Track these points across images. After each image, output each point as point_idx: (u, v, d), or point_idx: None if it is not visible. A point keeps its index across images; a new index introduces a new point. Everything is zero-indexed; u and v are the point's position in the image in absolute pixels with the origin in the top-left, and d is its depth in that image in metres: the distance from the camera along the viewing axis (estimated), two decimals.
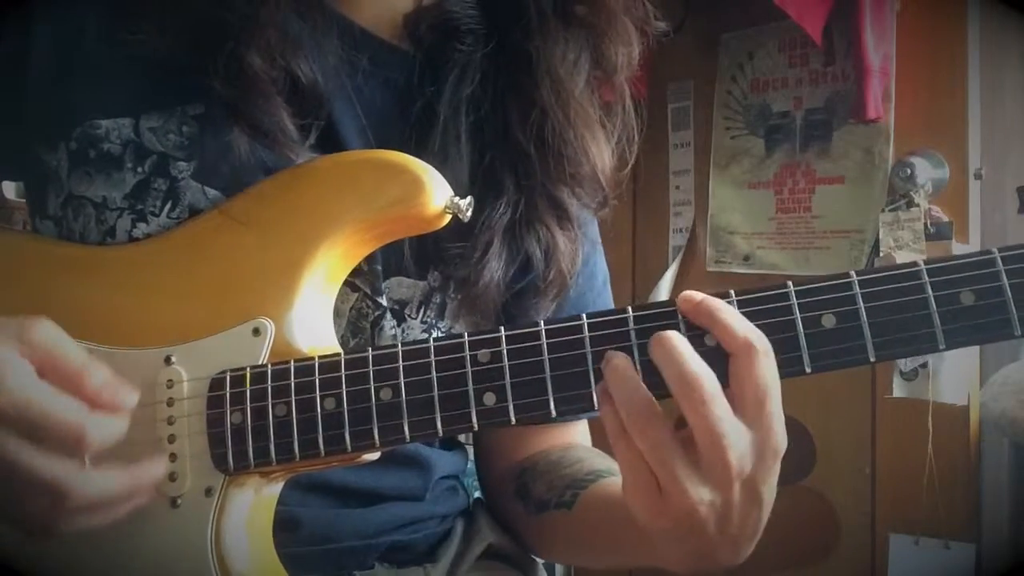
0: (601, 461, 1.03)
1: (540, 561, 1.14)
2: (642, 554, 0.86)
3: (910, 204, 2.13)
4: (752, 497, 0.73)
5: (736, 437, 0.70)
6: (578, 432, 1.11)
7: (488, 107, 1.00)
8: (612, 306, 1.11)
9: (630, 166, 1.07)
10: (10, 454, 0.69)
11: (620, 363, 0.73)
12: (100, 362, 0.74)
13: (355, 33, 0.98)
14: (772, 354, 0.72)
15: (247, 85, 0.88)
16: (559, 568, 2.55)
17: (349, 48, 0.97)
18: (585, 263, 1.09)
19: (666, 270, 2.58)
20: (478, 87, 1.00)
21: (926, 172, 2.13)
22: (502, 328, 0.78)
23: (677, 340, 0.72)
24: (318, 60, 0.93)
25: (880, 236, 2.16)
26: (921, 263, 0.73)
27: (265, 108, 0.88)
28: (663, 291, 2.54)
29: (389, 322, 0.97)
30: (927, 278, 0.73)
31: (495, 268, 0.98)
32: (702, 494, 0.71)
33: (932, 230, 2.10)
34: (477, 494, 1.18)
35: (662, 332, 0.73)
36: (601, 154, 1.01)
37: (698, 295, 0.75)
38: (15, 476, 0.69)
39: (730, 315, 0.73)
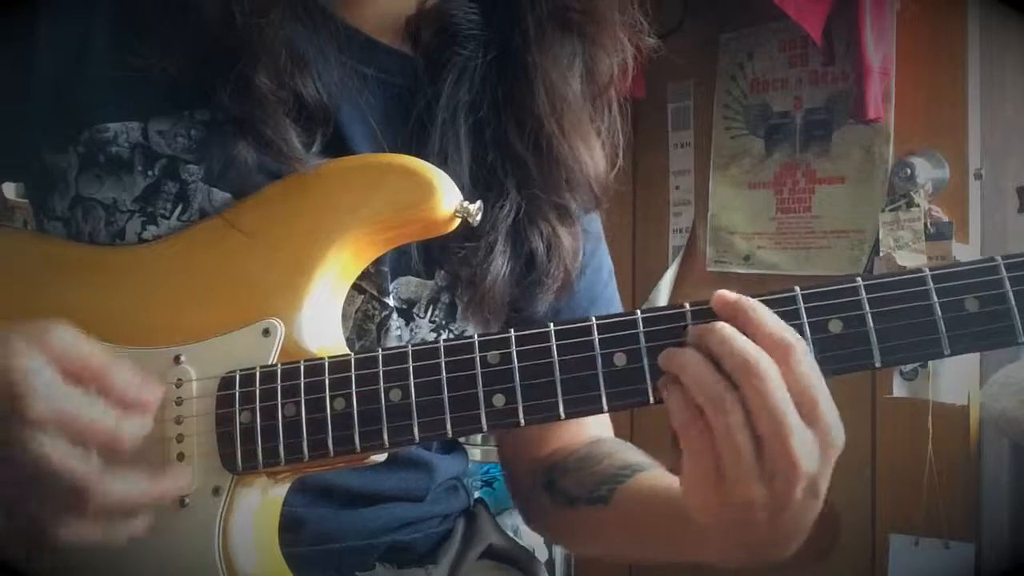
0: (633, 454, 1.03)
1: (541, 561, 1.14)
2: (686, 548, 0.87)
3: (910, 204, 2.13)
4: (812, 493, 0.74)
5: (799, 429, 0.71)
6: (598, 423, 1.12)
7: (486, 111, 1.01)
8: (617, 297, 1.15)
9: (618, 167, 1.08)
10: (51, 457, 0.70)
11: (693, 355, 0.74)
12: (121, 360, 0.76)
13: (359, 41, 0.98)
14: (807, 354, 0.73)
15: (253, 104, 0.89)
16: (559, 569, 2.55)
17: (354, 57, 0.97)
18: (592, 256, 1.12)
19: (666, 270, 2.58)
20: (477, 91, 1.01)
21: (926, 172, 2.13)
22: (512, 330, 0.79)
23: (727, 328, 0.73)
24: (324, 71, 0.94)
25: (880, 236, 2.16)
26: (926, 270, 0.74)
27: (271, 125, 0.89)
28: (663, 291, 2.54)
29: (395, 323, 0.97)
30: (932, 284, 0.74)
31: (500, 265, 0.99)
32: (762, 489, 0.72)
33: (932, 230, 2.10)
34: (478, 494, 1.19)
35: (711, 323, 0.74)
36: (595, 162, 1.03)
37: (732, 295, 0.76)
38: (46, 476, 0.70)
39: (766, 314, 0.74)
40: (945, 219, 2.11)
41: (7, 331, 0.74)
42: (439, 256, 0.99)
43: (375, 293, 0.96)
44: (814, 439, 0.72)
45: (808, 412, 0.72)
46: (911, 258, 2.10)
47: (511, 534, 1.17)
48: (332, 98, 0.94)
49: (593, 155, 1.03)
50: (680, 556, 0.90)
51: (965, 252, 2.09)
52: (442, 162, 0.97)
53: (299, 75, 0.91)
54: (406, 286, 0.98)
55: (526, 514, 1.13)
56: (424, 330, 1.00)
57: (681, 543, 0.88)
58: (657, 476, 0.97)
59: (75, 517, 0.73)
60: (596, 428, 1.11)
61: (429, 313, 1.00)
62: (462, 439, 1.16)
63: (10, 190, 2.14)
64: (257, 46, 0.89)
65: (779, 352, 0.72)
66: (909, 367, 2.10)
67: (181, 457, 0.81)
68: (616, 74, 1.05)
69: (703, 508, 0.76)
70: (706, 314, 0.76)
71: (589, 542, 1.08)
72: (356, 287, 0.94)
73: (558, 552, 2.50)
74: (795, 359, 0.72)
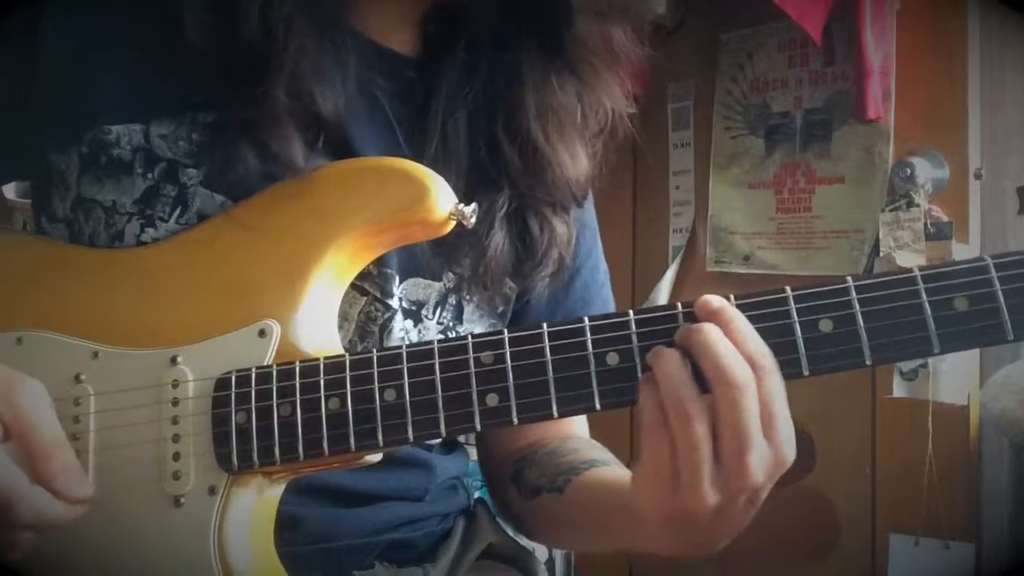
0: (596, 452, 1.05)
1: (541, 561, 1.15)
2: (627, 538, 0.90)
3: (910, 204, 2.13)
4: (751, 502, 0.76)
5: (758, 443, 0.72)
6: (576, 423, 1.13)
7: (482, 104, 1.02)
8: (612, 300, 1.16)
9: (594, 173, 1.09)
10: None
11: (671, 356, 0.75)
12: (69, 450, 0.75)
13: (376, 51, 0.99)
14: (777, 373, 0.74)
15: (265, 114, 0.89)
16: (559, 568, 2.55)
17: (368, 66, 0.97)
18: (588, 254, 1.14)
19: (666, 270, 2.58)
20: (478, 86, 1.01)
21: (926, 172, 2.13)
22: (505, 330, 0.79)
23: (715, 331, 0.74)
24: (339, 79, 0.94)
25: (880, 236, 2.16)
26: (916, 270, 0.75)
27: (277, 135, 0.89)
28: (663, 291, 2.54)
29: (399, 324, 0.98)
30: (922, 284, 0.75)
31: (499, 240, 1.00)
32: (713, 497, 0.74)
33: (932, 230, 2.10)
34: (478, 494, 1.19)
35: (699, 324, 0.75)
36: (576, 166, 1.04)
37: (716, 301, 0.76)
38: None
39: (746, 327, 0.75)
40: (945, 219, 2.11)
41: None
42: (446, 251, 1.00)
43: (378, 295, 0.96)
44: (769, 454, 0.73)
45: (768, 429, 0.73)
46: (911, 258, 2.10)
47: (511, 534, 1.17)
48: (345, 109, 0.94)
49: (575, 160, 1.04)
50: (622, 545, 0.92)
51: (965, 252, 2.09)
52: (444, 147, 0.99)
53: (316, 88, 0.92)
54: (415, 287, 0.99)
55: (497, 504, 1.15)
56: (432, 331, 1.01)
57: (623, 533, 0.90)
58: (608, 471, 0.99)
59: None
60: (572, 426, 1.12)
61: (437, 315, 1.01)
62: (462, 439, 1.17)
63: (10, 190, 2.14)
64: (285, 63, 0.89)
65: (753, 367, 0.73)
66: (909, 367, 2.10)
67: (177, 457, 0.81)
68: (612, 120, 1.06)
69: (651, 507, 0.77)
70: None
71: (547, 530, 1.10)
72: (358, 289, 0.95)
73: (558, 552, 2.50)
74: (766, 376, 0.73)
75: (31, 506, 0.71)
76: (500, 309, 1.06)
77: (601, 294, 1.16)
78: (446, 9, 1.01)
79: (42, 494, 0.72)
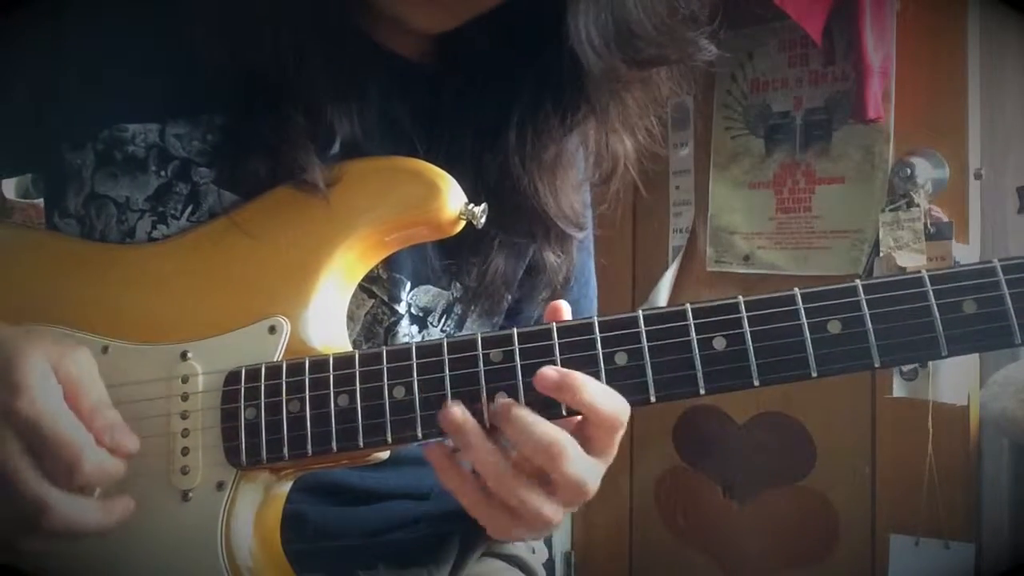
0: None
1: (540, 561, 1.15)
2: None
3: (910, 204, 2.13)
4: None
5: (592, 476, 0.77)
6: None
7: (479, 128, 1.01)
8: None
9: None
10: (9, 459, 0.72)
11: (478, 439, 0.77)
12: (113, 408, 0.79)
13: (389, 60, 0.99)
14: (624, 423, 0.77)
15: (283, 137, 0.89)
16: (559, 569, 2.56)
17: (382, 76, 0.97)
18: (581, 271, 1.14)
19: (666, 270, 2.58)
20: (473, 109, 1.01)
21: (926, 172, 2.13)
22: (514, 329, 0.80)
23: (524, 412, 0.76)
24: (355, 94, 0.94)
25: (880, 236, 2.16)
26: (924, 272, 0.75)
27: (296, 155, 0.89)
28: (663, 291, 2.54)
29: (404, 328, 0.98)
30: (930, 286, 0.75)
31: (498, 263, 1.01)
32: (557, 513, 0.78)
33: (932, 230, 2.11)
34: None
35: (512, 410, 0.77)
36: (560, 206, 1.03)
37: (553, 374, 0.77)
38: (6, 480, 0.72)
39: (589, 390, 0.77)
40: (945, 219, 2.11)
41: (43, 330, 0.80)
42: (454, 266, 1.00)
43: (385, 299, 0.97)
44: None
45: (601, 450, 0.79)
46: (911, 258, 2.10)
47: None
48: (362, 124, 0.94)
49: (559, 199, 1.02)
50: None
51: (965, 252, 2.09)
52: (448, 161, 0.96)
53: (334, 114, 0.92)
54: (424, 294, 1.00)
55: None
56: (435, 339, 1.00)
57: None
58: None
59: (33, 533, 0.74)
60: None
61: (442, 322, 1.02)
62: None
63: (10, 190, 2.14)
64: (300, 89, 0.89)
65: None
66: (909, 367, 2.10)
67: (185, 451, 0.82)
68: (621, 165, 1.05)
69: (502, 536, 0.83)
70: (707, 313, 0.77)
71: None
72: (366, 291, 0.96)
73: (558, 552, 2.51)
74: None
75: (96, 463, 0.74)
76: (495, 320, 1.07)
77: (589, 310, 1.17)
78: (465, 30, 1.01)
79: (103, 451, 0.76)
